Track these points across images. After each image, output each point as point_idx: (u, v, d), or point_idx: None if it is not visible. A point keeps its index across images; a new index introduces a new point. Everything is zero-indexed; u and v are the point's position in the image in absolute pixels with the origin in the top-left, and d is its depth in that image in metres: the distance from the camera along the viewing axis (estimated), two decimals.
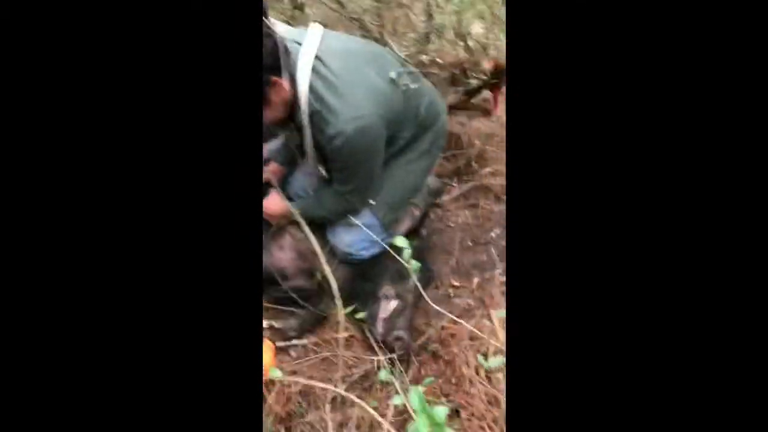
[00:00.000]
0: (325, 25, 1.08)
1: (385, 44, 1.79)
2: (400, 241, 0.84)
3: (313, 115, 0.99)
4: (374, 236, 1.14)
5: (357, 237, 1.19)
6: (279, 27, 1.00)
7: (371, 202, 1.15)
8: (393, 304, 1.16)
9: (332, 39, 1.04)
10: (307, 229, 1.09)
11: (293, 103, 1.00)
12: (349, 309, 1.06)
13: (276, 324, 1.22)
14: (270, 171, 1.32)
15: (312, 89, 0.97)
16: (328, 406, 1.05)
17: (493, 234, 1.55)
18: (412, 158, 1.20)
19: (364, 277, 1.21)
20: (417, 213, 1.37)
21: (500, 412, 1.04)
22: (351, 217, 1.16)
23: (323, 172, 1.20)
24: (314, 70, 0.97)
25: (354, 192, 1.12)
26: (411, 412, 0.74)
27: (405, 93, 1.09)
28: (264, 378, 1.00)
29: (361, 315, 1.11)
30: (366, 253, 1.22)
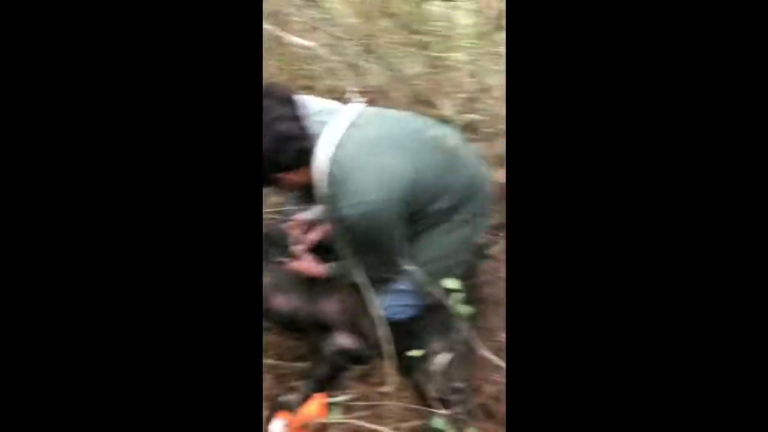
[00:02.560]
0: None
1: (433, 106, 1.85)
2: (452, 283, 0.83)
3: (327, 198, 1.05)
4: (410, 301, 1.13)
5: (392, 302, 1.18)
6: (314, 103, 1.06)
7: (409, 269, 1.12)
8: (445, 357, 1.12)
9: (363, 118, 1.07)
10: (365, 281, 1.10)
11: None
12: (418, 352, 1.03)
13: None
14: (321, 231, 1.33)
15: (330, 173, 1.02)
16: None
17: None
18: (450, 228, 1.18)
19: (409, 334, 1.18)
20: (458, 272, 1.31)
21: None
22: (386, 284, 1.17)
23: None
24: (334, 154, 1.02)
25: (376, 268, 1.13)
26: None
27: (442, 166, 1.10)
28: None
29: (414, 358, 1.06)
30: (401, 316, 1.21)
